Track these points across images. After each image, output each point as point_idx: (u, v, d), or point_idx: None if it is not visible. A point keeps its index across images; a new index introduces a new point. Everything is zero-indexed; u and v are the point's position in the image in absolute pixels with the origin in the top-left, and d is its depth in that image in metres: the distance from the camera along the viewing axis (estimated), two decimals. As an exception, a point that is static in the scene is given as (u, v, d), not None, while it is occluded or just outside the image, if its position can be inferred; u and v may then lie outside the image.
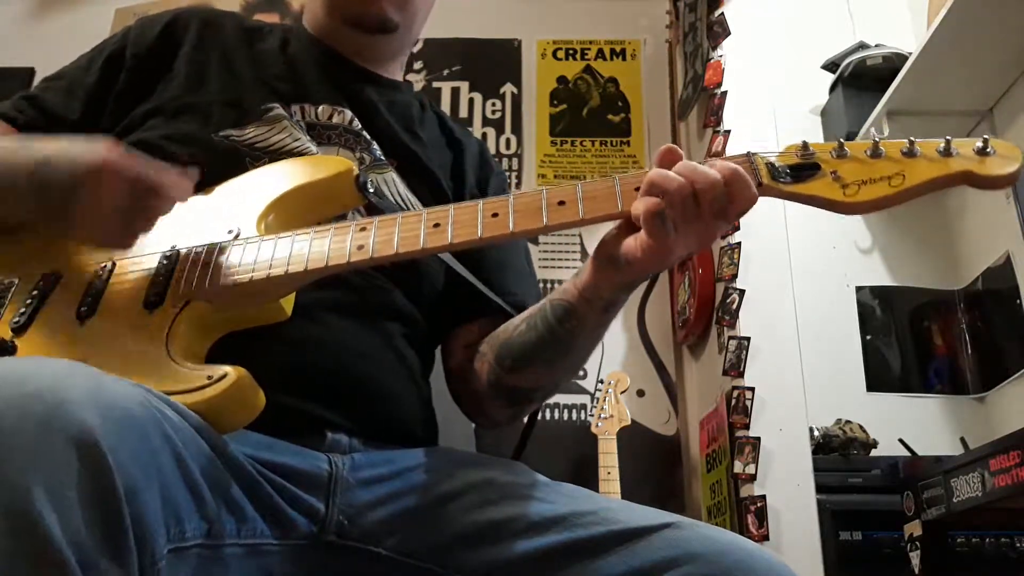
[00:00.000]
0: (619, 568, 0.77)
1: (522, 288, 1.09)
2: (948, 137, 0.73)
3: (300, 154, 0.98)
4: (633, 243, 0.77)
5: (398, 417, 0.95)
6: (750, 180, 0.74)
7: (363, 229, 0.82)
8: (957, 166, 0.72)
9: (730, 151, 2.14)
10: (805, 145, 0.76)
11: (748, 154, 0.77)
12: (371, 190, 0.91)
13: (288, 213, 0.89)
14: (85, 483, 0.55)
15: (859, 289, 2.53)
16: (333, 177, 0.91)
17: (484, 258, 1.07)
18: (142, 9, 2.85)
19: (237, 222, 0.87)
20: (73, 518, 0.54)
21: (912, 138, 0.74)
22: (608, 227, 0.81)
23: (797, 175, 0.75)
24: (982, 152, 0.72)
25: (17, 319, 0.82)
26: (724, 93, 2.32)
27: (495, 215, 0.80)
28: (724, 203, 0.74)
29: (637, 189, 0.76)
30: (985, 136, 0.73)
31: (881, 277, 2.55)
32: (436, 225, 0.81)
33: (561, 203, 0.79)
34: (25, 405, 0.56)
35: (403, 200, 1.03)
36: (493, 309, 1.03)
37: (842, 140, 0.76)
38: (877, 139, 0.75)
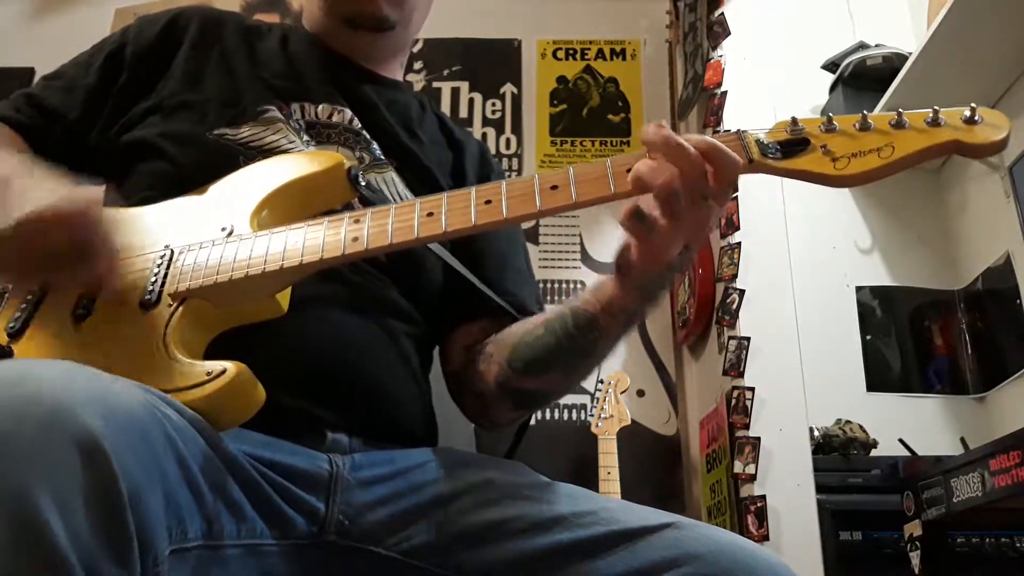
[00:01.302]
0: (619, 568, 0.77)
1: (522, 289, 1.09)
2: (936, 107, 0.73)
3: None
4: (630, 247, 0.78)
5: (399, 417, 0.95)
6: (728, 151, 0.73)
7: (357, 221, 0.82)
8: (945, 135, 0.72)
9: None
10: (794, 121, 0.76)
11: (738, 131, 0.77)
12: (363, 183, 0.91)
13: (281, 209, 0.89)
14: (89, 487, 0.54)
15: (859, 289, 2.53)
16: (325, 171, 0.90)
17: (484, 257, 1.07)
18: (142, 9, 2.85)
19: (230, 219, 0.87)
20: (77, 523, 0.53)
21: (900, 109, 0.74)
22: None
23: (787, 151, 0.75)
24: (970, 121, 0.72)
25: (12, 324, 0.81)
26: (724, 93, 2.32)
27: (488, 202, 0.79)
28: (706, 184, 0.73)
29: (629, 170, 0.76)
30: (972, 104, 0.73)
31: (881, 277, 2.55)
32: (430, 214, 0.80)
33: (554, 187, 0.78)
34: (25, 408, 0.55)
35: (402, 199, 1.03)
36: (494, 309, 1.03)
37: (831, 115, 0.76)
38: (865, 112, 0.75)
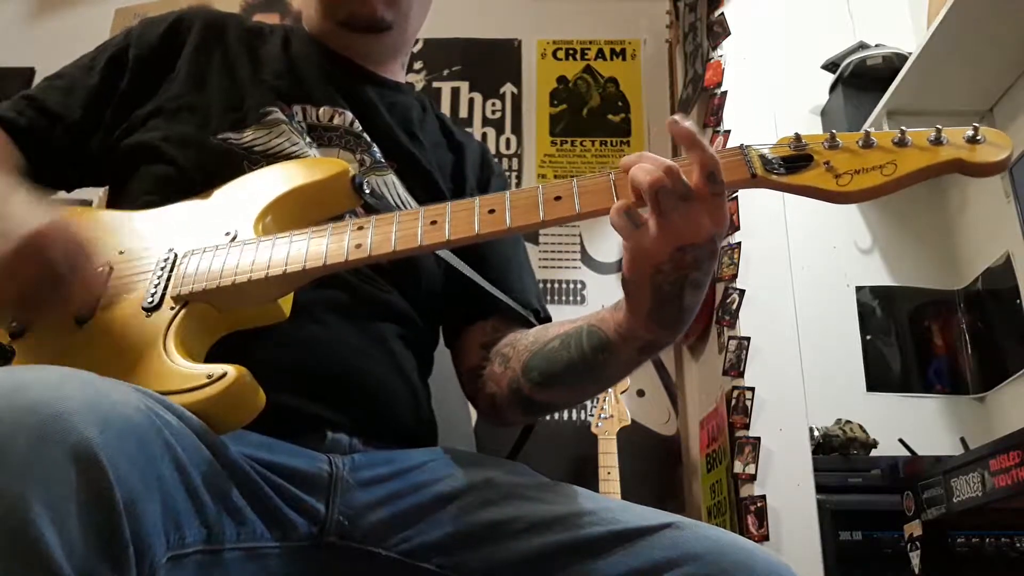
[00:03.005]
0: (619, 568, 0.77)
1: (525, 286, 1.09)
2: (939, 126, 0.74)
3: (297, 158, 0.98)
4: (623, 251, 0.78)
5: (398, 417, 0.95)
6: (704, 142, 0.73)
7: (360, 228, 0.82)
8: (948, 154, 0.73)
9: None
10: (798, 137, 0.77)
11: (742, 146, 0.77)
12: (367, 191, 0.91)
13: (285, 215, 0.89)
14: (84, 497, 0.54)
15: (859, 289, 2.53)
16: (330, 178, 0.91)
17: (488, 258, 1.07)
18: (142, 9, 2.86)
19: (235, 224, 0.87)
20: (72, 533, 0.53)
21: (903, 127, 0.75)
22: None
23: (790, 166, 0.75)
24: (972, 140, 0.73)
25: (15, 324, 0.81)
26: (724, 93, 2.32)
27: (491, 211, 0.80)
28: (682, 182, 0.72)
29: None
30: (975, 124, 0.73)
31: (881, 277, 2.55)
32: (433, 223, 0.81)
33: (557, 198, 0.79)
34: (20, 418, 0.55)
35: (402, 202, 1.03)
36: (503, 307, 1.03)
37: (834, 132, 0.76)
38: (869, 130, 0.76)
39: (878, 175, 0.73)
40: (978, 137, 0.73)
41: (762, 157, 0.76)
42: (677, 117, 0.74)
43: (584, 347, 0.88)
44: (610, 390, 2.29)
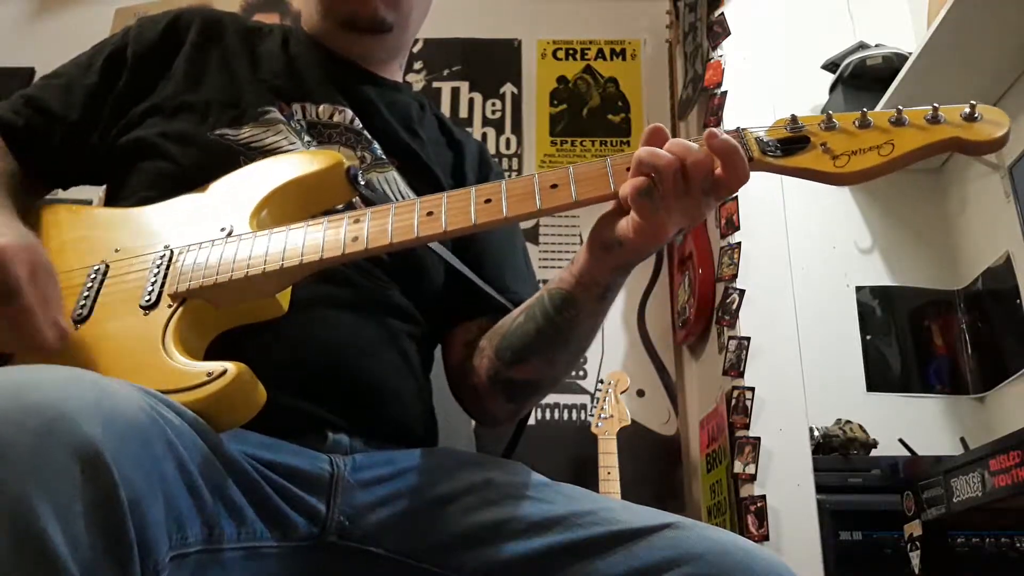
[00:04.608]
0: (619, 568, 0.77)
1: (521, 287, 1.09)
2: (936, 104, 0.74)
3: None
4: (625, 224, 0.78)
5: (399, 416, 0.95)
6: (744, 156, 0.74)
7: (357, 220, 0.82)
8: (945, 132, 0.72)
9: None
10: (794, 119, 0.76)
11: (738, 129, 0.77)
12: (362, 182, 0.91)
13: (281, 208, 0.89)
14: (89, 496, 0.54)
15: (859, 289, 2.53)
16: (324, 170, 0.90)
17: (483, 257, 1.07)
18: (142, 9, 2.85)
19: (230, 219, 0.87)
20: (77, 532, 0.53)
21: (900, 107, 0.74)
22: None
23: (787, 148, 0.75)
24: (970, 118, 0.73)
25: None
26: (724, 93, 2.32)
27: (488, 201, 0.79)
28: (714, 179, 0.74)
29: (628, 169, 0.76)
30: (972, 102, 0.73)
31: (881, 277, 2.55)
32: (430, 213, 0.80)
33: (554, 186, 0.79)
34: (25, 418, 0.55)
35: (403, 198, 1.03)
36: (493, 307, 1.03)
37: (831, 112, 0.76)
38: (865, 110, 0.75)
39: (875, 155, 0.73)
40: (975, 115, 0.72)
41: (758, 140, 0.76)
42: (716, 130, 0.74)
43: (549, 310, 0.89)
44: (610, 391, 2.29)
